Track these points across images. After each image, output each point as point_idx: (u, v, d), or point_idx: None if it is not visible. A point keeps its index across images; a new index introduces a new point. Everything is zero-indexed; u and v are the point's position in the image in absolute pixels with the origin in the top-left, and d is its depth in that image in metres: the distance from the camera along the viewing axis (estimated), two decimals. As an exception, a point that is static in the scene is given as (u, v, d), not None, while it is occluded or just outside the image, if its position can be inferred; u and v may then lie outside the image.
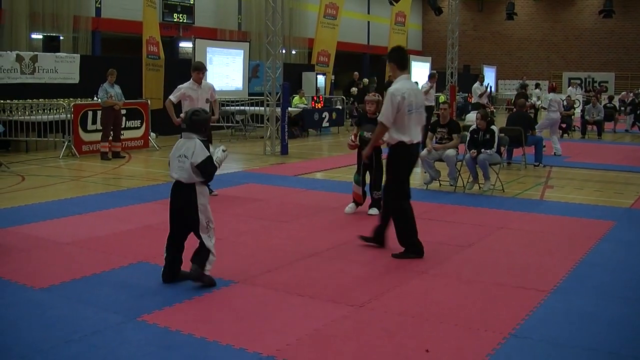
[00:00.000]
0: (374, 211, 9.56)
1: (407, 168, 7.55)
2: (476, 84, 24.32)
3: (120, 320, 5.48)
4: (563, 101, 20.72)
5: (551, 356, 4.93)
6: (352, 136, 9.87)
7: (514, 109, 15.92)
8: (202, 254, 6.32)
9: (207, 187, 6.69)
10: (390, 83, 8.96)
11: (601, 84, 37.05)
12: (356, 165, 9.85)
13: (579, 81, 37.23)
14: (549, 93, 19.39)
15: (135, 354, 4.82)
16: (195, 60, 22.23)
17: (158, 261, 6.91)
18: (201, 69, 11.18)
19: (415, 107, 7.36)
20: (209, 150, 6.43)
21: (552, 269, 7.08)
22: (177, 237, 6.45)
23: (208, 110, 10.71)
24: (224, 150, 6.66)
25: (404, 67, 7.55)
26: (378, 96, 9.77)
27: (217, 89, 22.69)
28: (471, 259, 7.52)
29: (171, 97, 11.07)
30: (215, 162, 6.40)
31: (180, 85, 11.14)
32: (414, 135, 7.41)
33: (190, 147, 6.30)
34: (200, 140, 6.38)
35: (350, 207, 9.88)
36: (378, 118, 7.51)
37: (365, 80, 27.92)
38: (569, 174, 14.56)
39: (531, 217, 9.88)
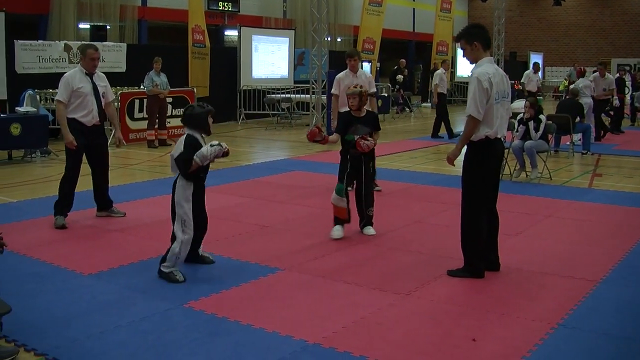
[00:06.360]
0: (372, 231, 7.92)
1: (492, 169, 6.38)
2: (529, 71, 23.67)
3: (167, 307, 5.53)
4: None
5: (601, 347, 4.86)
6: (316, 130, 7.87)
7: (565, 96, 15.55)
8: (166, 251, 6.28)
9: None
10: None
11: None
12: (338, 173, 7.89)
13: (628, 67, 36.47)
14: (578, 79, 18.76)
15: (183, 340, 4.87)
16: (241, 47, 22.42)
17: (205, 248, 6.95)
18: (353, 55, 10.25)
19: (502, 95, 6.22)
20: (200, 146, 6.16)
21: (601, 259, 6.98)
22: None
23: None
24: (212, 145, 6.08)
25: (489, 47, 6.37)
26: (361, 87, 7.96)
27: (262, 77, 23.22)
28: (518, 247, 7.43)
29: (333, 90, 10.15)
30: (195, 158, 6.05)
31: (337, 75, 10.50)
32: (500, 128, 6.22)
33: (179, 142, 6.24)
34: (194, 135, 6.23)
35: (337, 231, 7.69)
36: (466, 110, 6.13)
37: (400, 77, 27.62)
38: (618, 162, 14.33)
39: (579, 205, 9.74)
